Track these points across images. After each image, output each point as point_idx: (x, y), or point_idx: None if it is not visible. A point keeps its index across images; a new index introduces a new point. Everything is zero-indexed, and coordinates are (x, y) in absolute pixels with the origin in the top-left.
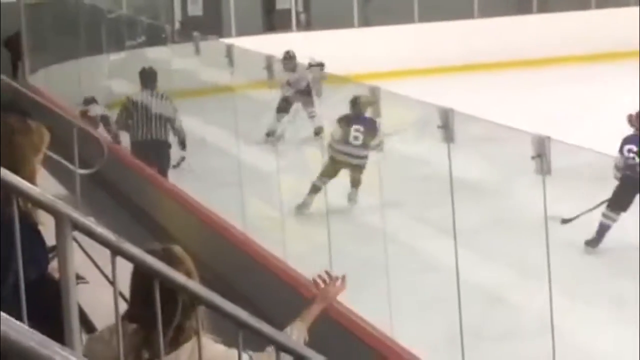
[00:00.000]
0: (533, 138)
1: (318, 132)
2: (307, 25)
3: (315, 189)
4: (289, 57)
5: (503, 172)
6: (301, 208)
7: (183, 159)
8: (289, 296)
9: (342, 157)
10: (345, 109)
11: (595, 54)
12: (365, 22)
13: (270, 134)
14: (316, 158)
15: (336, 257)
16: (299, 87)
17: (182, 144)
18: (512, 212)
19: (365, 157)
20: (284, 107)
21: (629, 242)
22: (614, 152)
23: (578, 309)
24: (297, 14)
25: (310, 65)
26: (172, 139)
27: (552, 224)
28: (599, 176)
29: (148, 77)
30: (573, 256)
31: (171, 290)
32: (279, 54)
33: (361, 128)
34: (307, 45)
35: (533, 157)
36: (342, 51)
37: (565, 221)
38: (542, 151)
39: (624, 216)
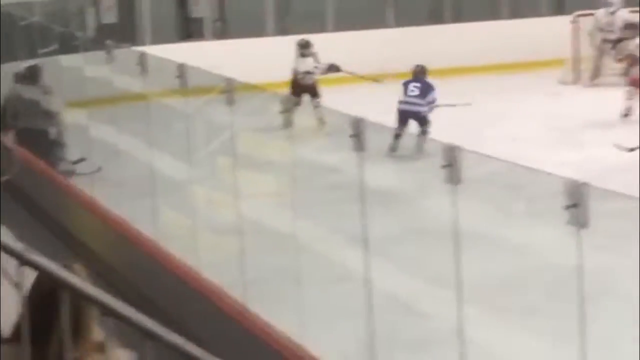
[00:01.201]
0: (444, 147)
1: None
2: (223, 33)
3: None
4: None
5: (415, 181)
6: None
7: (82, 159)
8: (203, 305)
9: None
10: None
11: (508, 63)
12: (281, 31)
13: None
14: (227, 168)
15: (250, 267)
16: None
17: (59, 139)
18: (424, 221)
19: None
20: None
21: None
22: (529, 161)
23: (490, 318)
24: (213, 22)
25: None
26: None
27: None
28: (510, 185)
29: (33, 73)
30: (488, 264)
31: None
32: (193, 62)
33: (418, 84)
34: (222, 53)
35: (444, 166)
36: (257, 60)
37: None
38: (452, 160)
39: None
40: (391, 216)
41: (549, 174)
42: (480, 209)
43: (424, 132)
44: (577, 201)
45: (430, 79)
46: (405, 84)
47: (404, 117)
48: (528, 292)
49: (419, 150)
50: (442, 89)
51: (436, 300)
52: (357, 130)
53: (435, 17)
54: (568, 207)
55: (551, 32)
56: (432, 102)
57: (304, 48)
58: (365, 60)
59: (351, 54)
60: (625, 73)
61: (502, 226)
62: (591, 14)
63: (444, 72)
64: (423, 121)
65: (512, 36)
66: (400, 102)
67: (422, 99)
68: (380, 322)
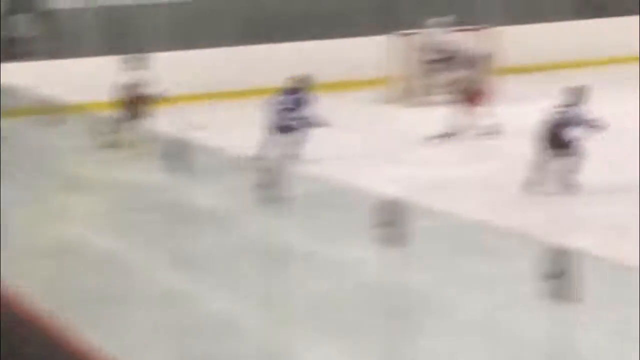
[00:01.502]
0: (263, 167)
1: None
2: (48, 53)
3: None
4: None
5: (236, 201)
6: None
7: None
8: (26, 329)
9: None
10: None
11: (329, 82)
12: (109, 50)
13: None
14: (49, 190)
15: (70, 290)
16: None
17: None
18: (245, 240)
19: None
20: None
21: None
22: (350, 180)
23: (312, 336)
24: (37, 42)
25: None
26: None
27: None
28: (329, 203)
29: None
30: (309, 283)
31: None
32: (17, 82)
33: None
34: (46, 73)
35: (262, 186)
36: (82, 79)
37: None
38: (272, 180)
39: None
40: (214, 235)
41: (368, 192)
42: (301, 227)
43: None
44: (393, 219)
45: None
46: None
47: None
48: (347, 310)
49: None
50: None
51: (258, 320)
52: (182, 151)
53: (252, 37)
54: (385, 225)
55: (372, 51)
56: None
57: (133, 63)
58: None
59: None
60: (451, 93)
61: (322, 245)
62: (412, 34)
63: (260, 92)
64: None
65: (332, 55)
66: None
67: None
68: (204, 342)
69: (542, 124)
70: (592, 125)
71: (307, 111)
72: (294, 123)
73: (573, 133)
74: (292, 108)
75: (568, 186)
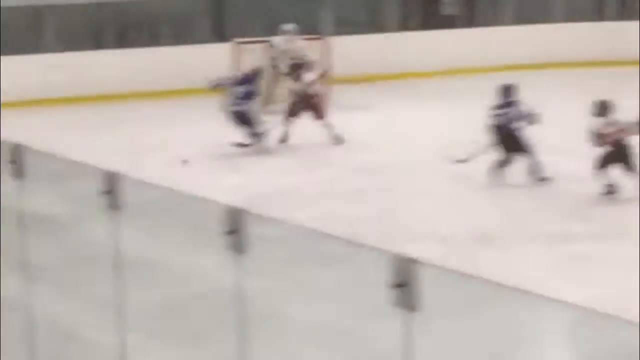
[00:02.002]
0: (104, 174)
1: None
2: None
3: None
4: None
5: (75, 208)
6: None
7: None
8: None
9: None
10: None
11: (170, 90)
12: None
13: None
14: None
15: None
16: None
17: None
18: (86, 248)
19: None
20: None
21: None
22: (194, 187)
23: (153, 344)
24: None
25: None
26: None
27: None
28: (171, 211)
29: None
30: (149, 291)
31: None
32: None
33: None
34: None
35: (103, 192)
36: None
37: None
38: (112, 187)
39: None
40: (53, 243)
41: (210, 200)
42: (142, 235)
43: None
44: (236, 227)
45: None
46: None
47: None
48: (190, 317)
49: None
50: (104, 116)
51: (99, 327)
52: (16, 157)
53: (98, 42)
54: (227, 233)
55: (212, 58)
56: None
57: None
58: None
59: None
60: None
61: (164, 252)
62: (250, 42)
63: (100, 99)
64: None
65: (174, 62)
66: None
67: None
68: (44, 351)
69: (491, 127)
70: (531, 118)
71: None
72: None
73: (521, 129)
74: None
75: (540, 179)
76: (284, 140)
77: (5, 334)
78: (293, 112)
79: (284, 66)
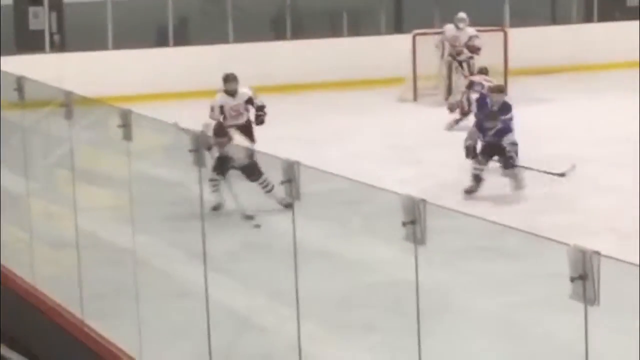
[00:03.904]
0: (282, 163)
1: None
2: (61, 46)
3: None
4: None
5: (255, 197)
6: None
7: None
8: (41, 321)
9: None
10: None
11: (348, 80)
12: (118, 45)
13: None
14: (66, 181)
15: (88, 282)
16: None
17: None
18: (265, 237)
19: None
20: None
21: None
22: (369, 178)
23: (329, 335)
24: (51, 35)
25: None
26: None
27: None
28: (349, 201)
29: None
30: (327, 281)
31: None
32: (31, 74)
33: None
34: (60, 66)
35: (282, 182)
36: (95, 73)
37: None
38: (291, 176)
39: None
40: (232, 232)
41: (388, 190)
42: (320, 225)
43: None
44: (414, 218)
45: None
46: None
47: None
48: (367, 308)
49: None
50: (281, 106)
51: (275, 316)
52: (197, 146)
53: (276, 33)
54: (405, 224)
55: (390, 50)
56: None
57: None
58: (205, 76)
59: (189, 70)
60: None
61: (341, 242)
62: (429, 33)
63: (284, 89)
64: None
65: (352, 54)
66: None
67: None
68: (220, 338)
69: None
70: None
71: None
72: None
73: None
74: None
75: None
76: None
77: (185, 321)
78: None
79: (454, 54)
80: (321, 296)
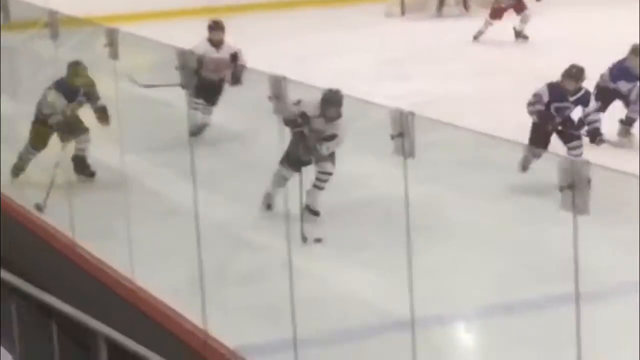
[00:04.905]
0: (270, 78)
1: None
2: None
3: None
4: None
5: (246, 117)
6: None
7: None
8: (33, 242)
9: None
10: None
11: None
12: None
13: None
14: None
15: (77, 204)
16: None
17: None
18: (255, 156)
19: None
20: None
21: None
22: (358, 94)
23: (320, 250)
24: None
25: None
26: None
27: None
28: None
29: None
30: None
31: None
32: None
33: None
34: None
35: (270, 97)
36: None
37: None
38: (278, 92)
39: None
40: (222, 151)
41: (377, 104)
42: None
43: None
44: (402, 130)
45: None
46: None
47: None
48: (358, 223)
49: None
50: (269, 24)
51: (267, 233)
52: (185, 64)
53: None
54: (394, 137)
55: None
56: None
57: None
58: None
59: None
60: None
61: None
62: None
63: (272, 6)
64: None
65: None
66: None
67: None
68: (212, 255)
69: None
70: None
71: None
72: None
73: None
74: None
75: None
76: (476, 37)
77: (177, 240)
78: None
79: None
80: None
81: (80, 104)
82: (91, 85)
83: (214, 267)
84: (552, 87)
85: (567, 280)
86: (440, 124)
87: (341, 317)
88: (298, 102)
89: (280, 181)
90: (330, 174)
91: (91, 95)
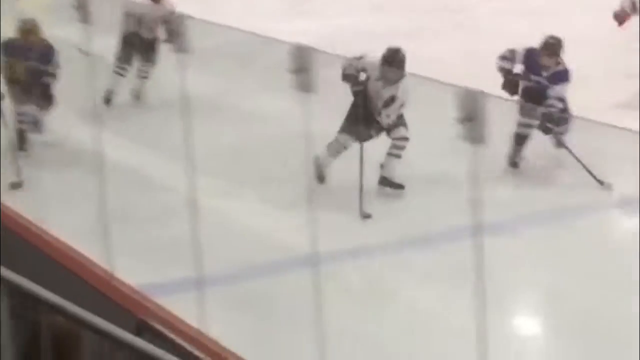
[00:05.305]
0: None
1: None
2: None
3: None
4: None
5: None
6: None
7: None
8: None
9: None
10: None
11: None
12: None
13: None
14: None
15: None
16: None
17: None
18: (153, 93)
19: None
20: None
21: None
22: (264, 31)
23: (225, 188)
24: None
25: None
26: None
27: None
28: (241, 54)
29: None
30: (219, 135)
31: None
32: None
33: None
34: None
35: (165, 40)
36: None
37: None
38: (180, 30)
39: None
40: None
41: (278, 40)
42: (210, 79)
43: None
44: (303, 65)
45: None
46: None
47: None
48: (260, 160)
49: None
50: None
51: (171, 173)
52: (82, 2)
53: None
54: (294, 72)
55: None
56: None
57: None
58: None
59: None
60: None
61: (233, 96)
62: None
63: None
64: None
65: None
66: None
67: None
68: (118, 198)
69: None
70: None
71: None
72: None
73: None
74: None
75: None
76: None
77: (82, 183)
78: None
79: None
80: (214, 150)
81: None
82: None
83: (119, 209)
84: (529, 55)
85: None
86: (340, 58)
87: (246, 253)
88: (360, 58)
89: (337, 150)
90: (406, 138)
91: None
